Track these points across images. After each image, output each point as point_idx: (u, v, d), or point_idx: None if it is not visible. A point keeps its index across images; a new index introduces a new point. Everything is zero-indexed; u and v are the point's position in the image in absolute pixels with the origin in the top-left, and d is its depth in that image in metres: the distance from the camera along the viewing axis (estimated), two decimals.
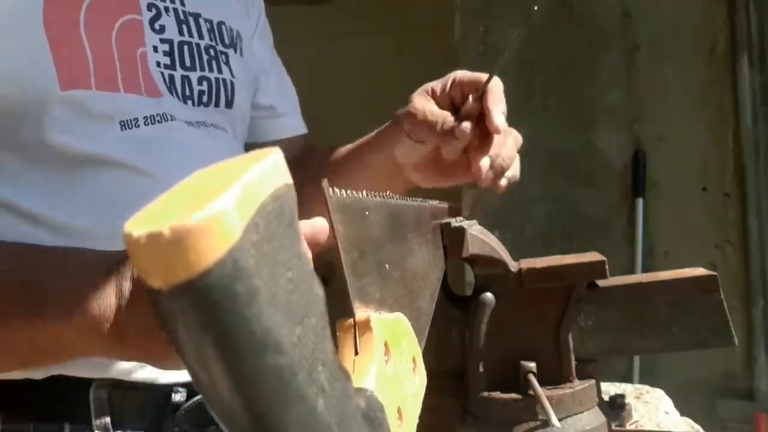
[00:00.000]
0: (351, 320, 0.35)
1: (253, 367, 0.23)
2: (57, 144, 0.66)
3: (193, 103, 0.78)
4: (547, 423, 0.56)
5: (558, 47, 2.58)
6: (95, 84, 0.69)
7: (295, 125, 1.02)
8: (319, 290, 0.27)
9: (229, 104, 0.84)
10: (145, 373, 0.70)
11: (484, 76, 0.76)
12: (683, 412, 0.91)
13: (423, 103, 0.78)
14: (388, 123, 0.84)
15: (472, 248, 0.58)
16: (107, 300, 0.49)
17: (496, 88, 0.77)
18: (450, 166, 0.78)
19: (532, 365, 0.59)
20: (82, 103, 0.68)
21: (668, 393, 0.97)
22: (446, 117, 0.75)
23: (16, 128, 0.66)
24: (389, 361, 0.36)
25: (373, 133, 0.88)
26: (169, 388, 0.72)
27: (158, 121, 0.73)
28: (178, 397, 0.72)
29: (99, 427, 0.68)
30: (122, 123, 0.70)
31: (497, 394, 0.60)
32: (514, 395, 0.59)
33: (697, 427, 0.86)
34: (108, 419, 0.68)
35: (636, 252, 2.47)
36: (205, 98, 0.80)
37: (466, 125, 0.73)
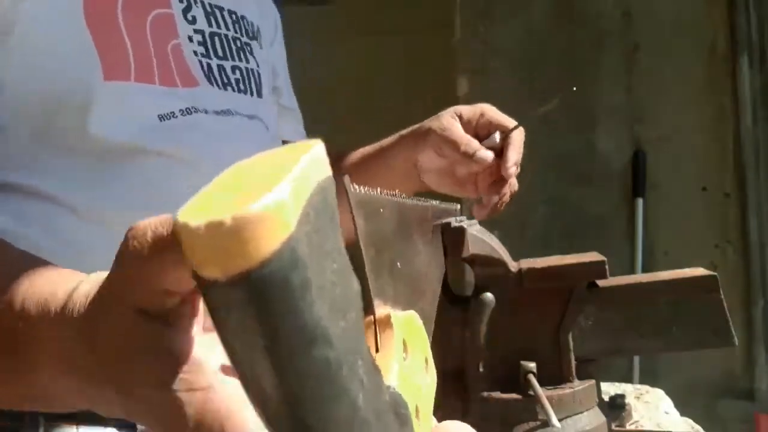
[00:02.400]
0: (371, 317, 0.35)
1: (303, 359, 0.23)
2: (99, 135, 0.67)
3: (233, 89, 0.80)
4: (547, 423, 0.56)
5: (558, 47, 2.58)
6: (134, 76, 0.70)
7: (300, 133, 1.03)
8: (356, 285, 0.27)
9: (260, 93, 0.85)
10: None
11: (512, 123, 0.93)
12: (683, 412, 0.91)
13: (452, 123, 0.90)
14: (413, 129, 0.94)
15: (472, 248, 0.58)
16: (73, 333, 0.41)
17: (518, 137, 0.94)
18: (462, 179, 0.91)
19: (532, 365, 0.59)
20: (123, 94, 0.68)
21: (668, 393, 0.97)
22: (471, 141, 0.88)
23: (58, 120, 0.66)
24: (407, 360, 0.36)
25: (395, 137, 0.97)
26: None
27: (194, 111, 0.73)
28: None
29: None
30: (160, 116, 0.71)
31: (497, 394, 0.60)
32: (514, 395, 0.59)
33: (697, 427, 0.86)
34: None
35: (636, 252, 2.47)
36: (242, 85, 0.82)
37: (488, 154, 0.87)
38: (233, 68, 0.81)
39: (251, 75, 0.84)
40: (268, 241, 0.21)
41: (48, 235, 0.65)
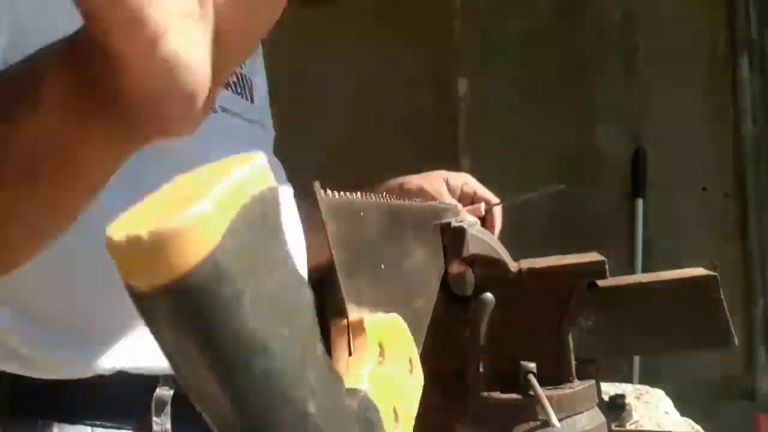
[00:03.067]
0: (345, 321, 0.36)
1: (240, 370, 0.23)
2: None
3: (233, 91, 0.80)
4: (547, 423, 0.56)
5: (558, 47, 2.58)
6: None
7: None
8: (306, 293, 0.27)
9: (253, 99, 0.85)
10: None
11: (493, 198, 0.98)
12: (683, 412, 0.91)
13: (442, 186, 0.97)
14: (400, 183, 0.99)
15: (472, 248, 0.58)
16: (66, 60, 0.40)
17: (498, 214, 0.98)
18: None
19: (532, 365, 0.59)
20: None
21: (668, 393, 0.97)
22: (456, 205, 0.90)
23: None
24: (384, 362, 0.36)
25: (381, 189, 0.99)
26: None
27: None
28: None
29: None
30: None
31: (497, 394, 0.60)
32: (514, 395, 0.59)
33: (697, 427, 0.86)
34: (168, 425, 0.67)
35: (636, 252, 2.47)
36: (238, 88, 0.81)
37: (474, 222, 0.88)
38: None
39: (245, 80, 0.83)
40: (189, 255, 0.21)
41: (60, 237, 0.65)
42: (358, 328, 0.35)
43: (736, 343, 0.61)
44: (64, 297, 0.65)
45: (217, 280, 0.22)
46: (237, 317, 0.22)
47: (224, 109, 0.77)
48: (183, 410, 0.67)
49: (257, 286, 0.23)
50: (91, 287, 0.65)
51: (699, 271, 0.62)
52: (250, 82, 0.85)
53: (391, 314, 0.40)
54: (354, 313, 0.36)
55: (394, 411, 0.35)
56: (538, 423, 0.58)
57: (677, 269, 0.64)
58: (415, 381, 0.40)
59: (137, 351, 0.66)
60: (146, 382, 0.67)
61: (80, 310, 0.66)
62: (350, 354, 0.35)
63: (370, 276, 0.40)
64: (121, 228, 0.22)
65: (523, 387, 0.59)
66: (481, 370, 0.60)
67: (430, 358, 0.48)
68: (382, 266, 0.42)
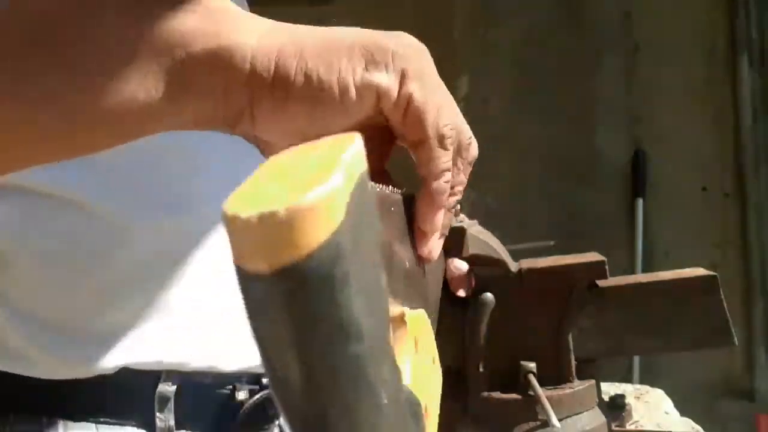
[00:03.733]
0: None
1: (336, 355, 0.22)
2: None
3: None
4: (547, 423, 0.56)
5: (558, 47, 2.58)
6: None
7: None
8: (384, 281, 0.26)
9: None
10: (205, 359, 0.69)
11: None
12: (683, 412, 0.91)
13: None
14: None
15: (472, 248, 0.58)
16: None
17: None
18: None
19: (532, 365, 0.59)
20: None
21: (668, 393, 0.97)
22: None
23: None
24: (418, 359, 0.36)
25: None
26: (232, 385, 0.70)
27: None
28: (242, 395, 0.71)
29: (162, 430, 0.67)
30: None
31: (497, 394, 0.60)
32: (514, 395, 0.59)
33: (697, 427, 0.86)
34: (172, 421, 0.68)
35: (636, 252, 2.47)
36: None
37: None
38: None
39: None
40: (317, 233, 0.21)
41: (56, 235, 0.65)
42: (399, 322, 0.35)
43: (736, 343, 0.61)
44: (64, 297, 0.65)
45: (335, 262, 0.21)
46: (344, 300, 0.22)
47: None
48: (186, 405, 0.68)
49: (360, 269, 0.23)
50: (91, 286, 0.65)
51: (699, 271, 0.62)
52: None
53: (419, 310, 0.40)
54: (394, 307, 0.36)
55: (426, 408, 0.35)
56: (538, 423, 0.58)
57: (677, 269, 0.64)
58: (438, 378, 0.40)
59: (139, 348, 0.66)
60: (149, 378, 0.67)
61: (80, 309, 0.66)
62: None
63: (400, 272, 0.40)
64: (243, 206, 0.21)
65: (523, 387, 0.59)
66: (481, 370, 0.60)
67: None
68: (407, 263, 0.42)
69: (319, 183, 0.21)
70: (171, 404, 0.67)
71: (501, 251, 0.61)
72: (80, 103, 0.39)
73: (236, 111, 0.40)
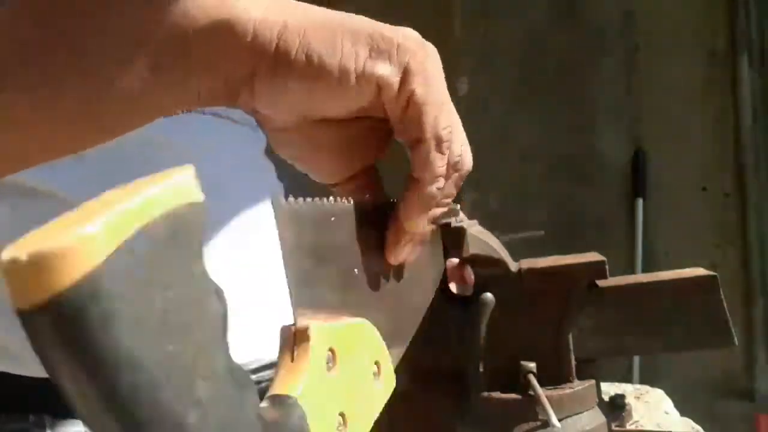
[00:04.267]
0: (292, 328, 0.36)
1: (111, 385, 0.24)
2: None
3: None
4: (547, 423, 0.56)
5: (558, 47, 2.58)
6: None
7: None
8: (214, 305, 0.28)
9: None
10: None
11: None
12: (683, 412, 0.91)
13: None
14: None
15: (472, 248, 0.58)
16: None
17: None
18: None
19: (532, 365, 0.59)
20: None
21: (668, 393, 0.97)
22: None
23: None
24: (334, 368, 0.37)
25: None
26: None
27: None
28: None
29: None
30: None
31: (497, 394, 0.60)
32: (514, 395, 0.59)
33: (697, 427, 0.86)
34: None
35: (636, 252, 2.47)
36: None
37: None
38: None
39: None
40: (65, 276, 0.22)
41: None
42: (303, 335, 0.36)
43: (736, 343, 0.61)
44: None
45: (90, 301, 0.23)
46: (105, 335, 0.24)
47: (214, 114, 0.76)
48: None
49: (141, 306, 0.24)
50: None
51: (699, 271, 0.62)
52: None
53: (355, 319, 0.40)
54: (303, 320, 0.37)
55: (342, 416, 0.36)
56: (538, 423, 0.58)
57: (677, 269, 0.64)
58: (382, 384, 0.41)
59: None
60: None
61: None
62: (292, 360, 0.36)
63: (339, 282, 0.41)
64: (16, 246, 0.23)
65: (523, 387, 0.59)
66: (481, 370, 0.60)
67: (431, 358, 0.48)
68: (356, 271, 0.42)
69: (76, 227, 0.23)
70: None
71: (501, 251, 0.61)
72: (89, 87, 0.39)
73: (237, 83, 0.39)
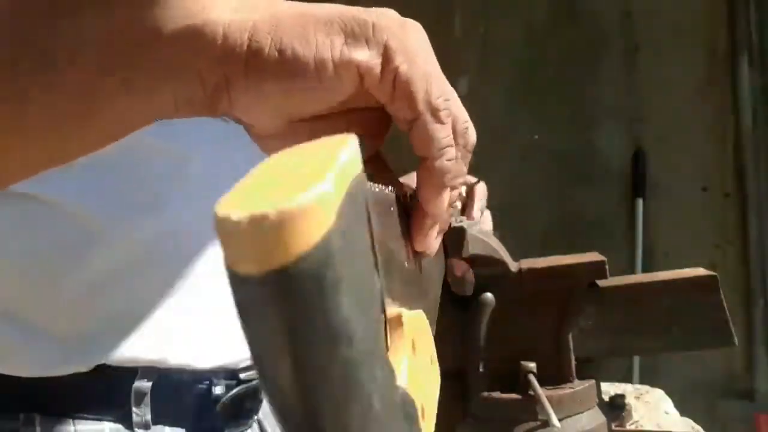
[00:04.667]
0: (383, 316, 0.35)
1: (325, 358, 0.22)
2: None
3: None
4: (547, 423, 0.56)
5: (558, 47, 2.58)
6: None
7: None
8: (378, 283, 0.26)
9: None
10: (181, 357, 0.69)
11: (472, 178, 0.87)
12: (683, 412, 0.91)
13: None
14: None
15: (472, 248, 0.58)
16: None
17: (482, 190, 0.93)
18: None
19: (532, 365, 0.59)
20: None
21: (668, 393, 0.97)
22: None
23: None
24: (414, 358, 0.36)
25: None
26: (209, 380, 0.71)
27: None
28: (218, 390, 0.71)
29: (139, 425, 0.68)
30: None
31: (497, 394, 0.60)
32: (514, 395, 0.59)
33: (697, 427, 0.86)
34: (149, 416, 0.68)
35: (636, 252, 2.47)
36: None
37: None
38: None
39: None
40: (308, 236, 0.21)
41: (33, 236, 0.65)
42: (397, 323, 0.35)
43: (736, 343, 0.61)
44: (40, 297, 0.66)
45: (327, 265, 0.21)
46: (334, 304, 0.22)
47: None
48: (163, 401, 0.68)
49: (352, 272, 0.23)
50: (68, 287, 0.65)
51: (699, 271, 0.62)
52: None
53: (417, 311, 0.40)
54: (391, 308, 0.36)
55: (422, 408, 0.35)
56: (538, 423, 0.58)
57: (677, 269, 0.64)
58: (436, 379, 0.40)
59: (116, 347, 0.66)
60: (126, 374, 0.67)
61: (57, 309, 0.66)
62: (387, 349, 0.34)
63: (398, 273, 0.40)
64: (236, 206, 0.20)
65: (523, 387, 0.59)
66: (481, 370, 0.60)
67: None
68: (406, 264, 0.42)
69: (311, 186, 0.21)
70: (147, 399, 0.68)
71: (501, 251, 0.61)
72: (59, 98, 0.38)
73: (213, 91, 0.38)
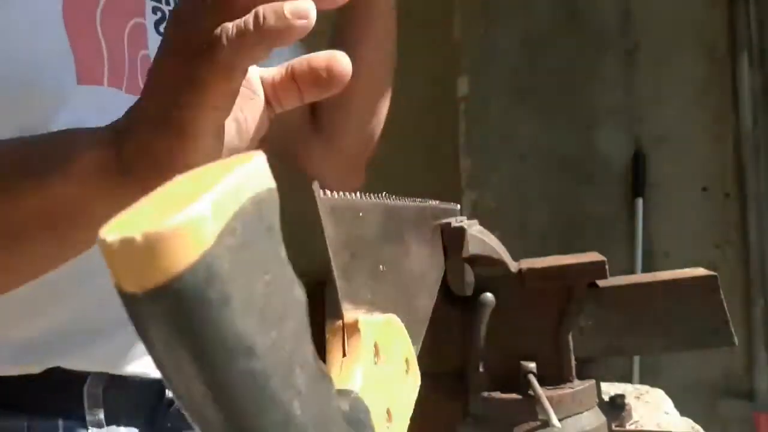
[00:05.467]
0: (340, 322, 0.36)
1: (226, 372, 0.23)
2: None
3: None
4: (547, 423, 0.56)
5: (558, 47, 2.58)
6: (107, 81, 0.70)
7: None
8: (299, 294, 0.27)
9: None
10: (136, 366, 0.70)
11: None
12: (683, 412, 0.90)
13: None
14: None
15: (472, 248, 0.58)
16: (104, 141, 0.48)
17: None
18: None
19: (532, 365, 0.59)
20: (94, 96, 0.68)
21: (668, 393, 0.96)
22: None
23: (25, 123, 0.66)
24: (379, 363, 0.36)
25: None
26: (161, 384, 0.72)
27: None
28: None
29: (92, 423, 0.69)
30: None
31: (497, 394, 0.60)
32: (514, 395, 0.59)
33: (697, 427, 0.86)
34: (102, 414, 0.69)
35: (636, 252, 2.47)
36: None
37: None
38: None
39: None
40: (182, 257, 0.21)
41: None
42: (353, 329, 0.36)
43: (736, 343, 0.61)
44: None
45: (209, 283, 0.22)
46: (223, 319, 0.23)
47: None
48: (117, 401, 0.69)
49: (248, 289, 0.24)
50: (17, 294, 0.66)
51: (699, 271, 0.62)
52: None
53: (387, 315, 0.40)
54: (350, 314, 0.36)
55: (388, 412, 0.35)
56: (538, 423, 0.58)
57: (677, 269, 0.64)
58: (411, 381, 0.41)
59: (65, 353, 0.68)
60: (77, 377, 0.69)
61: (5, 315, 0.67)
62: (344, 355, 0.35)
63: (369, 277, 0.41)
64: (114, 229, 0.22)
65: (523, 387, 0.59)
66: (481, 370, 0.60)
67: (430, 358, 0.48)
68: (381, 267, 0.42)
69: (183, 208, 0.22)
70: (100, 400, 0.69)
71: (501, 251, 0.61)
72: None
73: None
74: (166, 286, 0.21)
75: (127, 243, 0.21)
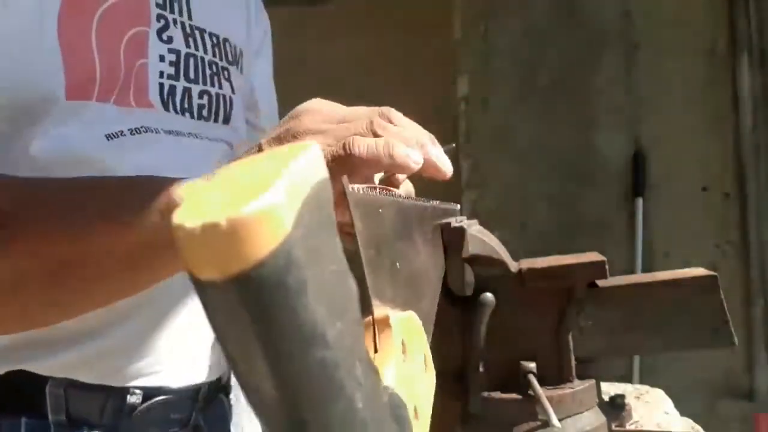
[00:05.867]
0: (370, 318, 0.35)
1: (299, 361, 0.23)
2: (42, 152, 0.66)
3: (191, 116, 0.79)
4: (547, 423, 0.56)
5: (558, 47, 2.58)
6: (97, 96, 0.69)
7: None
8: (353, 286, 0.27)
9: (227, 120, 0.84)
10: (94, 376, 0.71)
11: None
12: (683, 412, 0.91)
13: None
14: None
15: (472, 248, 0.58)
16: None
17: None
18: None
19: (532, 365, 0.59)
20: (78, 113, 0.67)
21: (668, 393, 0.97)
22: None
23: (9, 133, 0.66)
24: (406, 360, 0.36)
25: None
26: (125, 390, 0.72)
27: (144, 131, 0.73)
28: (134, 399, 0.73)
29: (56, 423, 0.69)
30: (107, 135, 0.70)
31: (497, 395, 0.60)
32: (514, 395, 0.59)
33: (697, 427, 0.86)
34: (64, 416, 0.70)
35: (636, 252, 2.47)
36: (204, 112, 0.81)
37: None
38: (201, 93, 0.80)
39: (221, 101, 0.83)
40: (264, 243, 0.21)
41: None
42: (384, 324, 0.35)
43: (736, 343, 0.61)
44: None
45: (288, 270, 0.22)
46: (301, 307, 0.22)
47: (177, 132, 0.76)
48: (79, 405, 0.70)
49: (319, 277, 0.23)
50: None
51: (699, 271, 0.62)
52: (230, 101, 0.85)
53: (408, 312, 0.40)
54: (379, 309, 0.36)
55: (415, 409, 0.35)
56: (538, 423, 0.58)
57: (677, 269, 0.64)
58: (429, 379, 0.40)
59: (30, 358, 0.69)
60: (39, 380, 0.70)
61: None
62: (375, 351, 0.34)
63: (389, 274, 0.40)
64: (190, 215, 0.21)
65: (523, 387, 0.59)
66: (481, 370, 0.60)
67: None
68: (398, 265, 0.42)
69: (262, 193, 0.21)
70: (63, 401, 0.69)
71: (501, 251, 0.61)
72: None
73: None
74: (248, 272, 0.21)
75: (210, 228, 0.20)
